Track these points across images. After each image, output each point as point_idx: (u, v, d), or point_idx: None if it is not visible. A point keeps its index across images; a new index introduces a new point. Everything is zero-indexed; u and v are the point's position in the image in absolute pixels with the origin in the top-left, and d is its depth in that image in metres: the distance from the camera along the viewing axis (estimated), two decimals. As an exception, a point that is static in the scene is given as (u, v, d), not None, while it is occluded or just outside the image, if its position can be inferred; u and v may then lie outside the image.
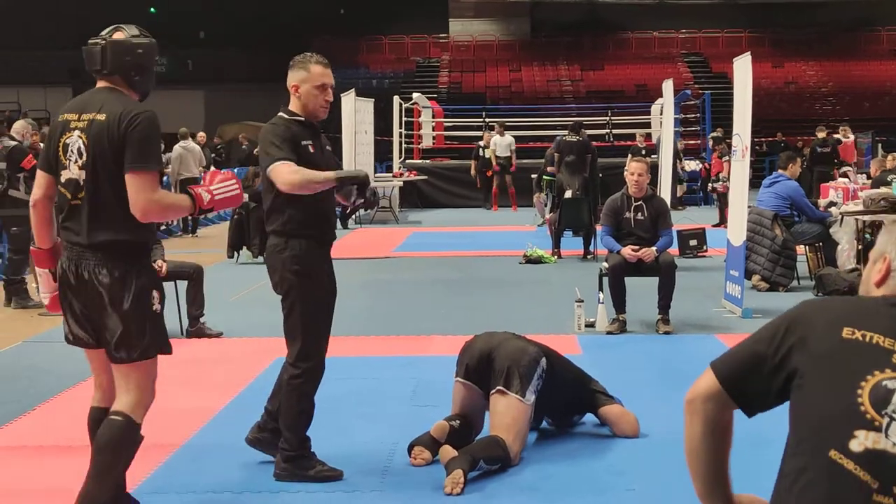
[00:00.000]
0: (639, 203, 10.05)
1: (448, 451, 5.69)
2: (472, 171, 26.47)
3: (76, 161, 4.62)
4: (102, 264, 4.57)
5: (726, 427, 2.75)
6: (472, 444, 5.86)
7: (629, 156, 22.66)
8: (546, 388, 6.08)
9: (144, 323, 4.62)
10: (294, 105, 5.74)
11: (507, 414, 5.90)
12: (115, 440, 4.60)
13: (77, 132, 4.62)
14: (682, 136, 27.92)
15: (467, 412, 6.15)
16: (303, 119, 5.70)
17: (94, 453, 4.62)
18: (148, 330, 4.63)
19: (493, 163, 26.03)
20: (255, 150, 28.89)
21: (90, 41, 4.74)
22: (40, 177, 4.81)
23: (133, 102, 4.68)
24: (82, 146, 4.60)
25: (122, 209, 4.55)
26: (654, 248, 9.79)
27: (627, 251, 9.76)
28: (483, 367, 6.07)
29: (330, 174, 5.45)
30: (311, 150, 5.63)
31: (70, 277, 4.64)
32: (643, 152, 22.98)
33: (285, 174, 5.35)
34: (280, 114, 5.76)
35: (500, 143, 25.99)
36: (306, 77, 5.70)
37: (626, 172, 10.28)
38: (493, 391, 5.98)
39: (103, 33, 4.76)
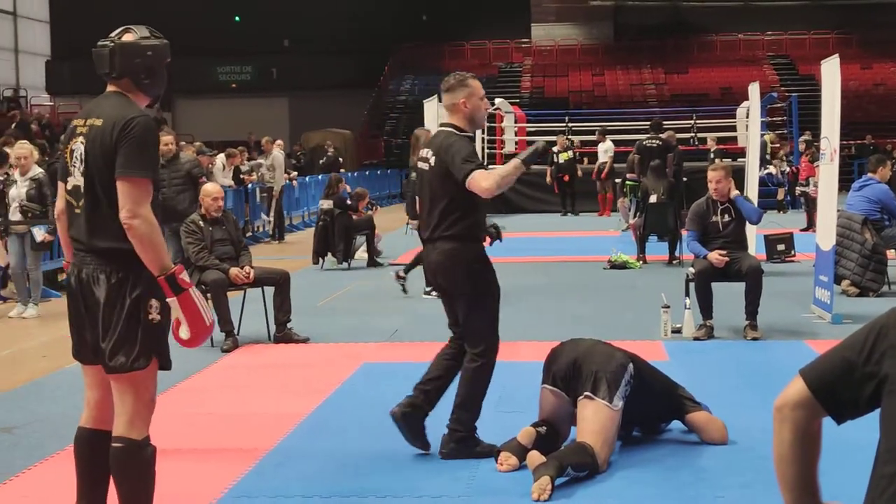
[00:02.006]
0: (725, 205, 9.99)
1: (536, 457, 5.68)
2: (548, 178, 26.38)
3: (79, 168, 4.46)
4: (101, 269, 4.38)
5: (815, 434, 2.73)
6: (559, 450, 5.85)
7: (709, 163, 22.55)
8: (634, 394, 6.06)
9: (137, 332, 4.36)
10: (458, 120, 6.26)
11: (594, 420, 5.88)
12: (124, 468, 4.44)
13: (80, 138, 4.47)
14: (783, 140, 27.65)
15: (554, 419, 6.14)
16: (470, 134, 6.30)
17: (115, 486, 4.49)
18: (140, 339, 4.36)
19: (596, 168, 25.90)
20: (339, 157, 29.32)
21: (98, 43, 4.56)
22: (60, 187, 4.65)
23: (133, 108, 4.48)
24: (83, 152, 4.44)
25: (117, 215, 4.33)
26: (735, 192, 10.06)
27: (715, 256, 9.68)
28: (571, 374, 6.06)
29: (515, 163, 5.97)
30: None
31: (73, 283, 4.48)
32: (711, 155, 22.80)
33: (483, 182, 5.89)
34: (448, 129, 6.26)
35: (600, 149, 25.91)
36: (470, 92, 6.26)
37: (708, 182, 10.22)
38: (581, 397, 5.97)
39: (112, 35, 4.57)
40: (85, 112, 4.57)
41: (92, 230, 4.41)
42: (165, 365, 4.52)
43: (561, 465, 5.57)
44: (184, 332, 4.41)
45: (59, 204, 4.64)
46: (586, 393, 5.94)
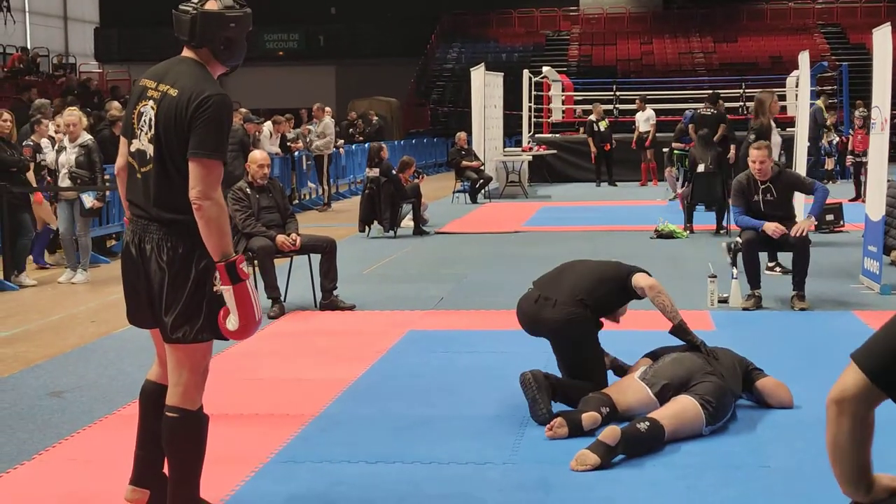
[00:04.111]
0: (766, 185, 9.86)
1: (613, 432, 5.50)
2: (592, 147, 26.16)
3: (146, 132, 4.36)
4: (167, 239, 4.33)
5: (872, 421, 2.66)
6: (638, 431, 5.62)
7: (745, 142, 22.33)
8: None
9: (202, 304, 4.34)
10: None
11: (683, 413, 5.83)
12: (178, 438, 4.43)
13: (151, 102, 4.36)
14: (830, 110, 27.36)
15: (625, 409, 6.07)
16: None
17: (167, 455, 4.48)
18: (205, 312, 4.34)
19: (634, 137, 25.72)
20: (376, 127, 29.44)
21: (181, 6, 4.43)
22: (122, 143, 4.57)
23: (210, 82, 4.37)
24: (152, 118, 4.34)
25: (186, 189, 4.26)
26: (811, 220, 9.84)
27: (772, 227, 9.56)
28: (676, 388, 6.04)
29: (679, 321, 6.48)
30: None
31: (132, 251, 4.42)
32: (753, 136, 22.55)
33: (652, 280, 6.51)
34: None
35: (639, 118, 25.73)
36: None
37: (748, 160, 10.07)
38: (682, 395, 5.98)
39: (195, 0, 4.43)
40: (157, 73, 4.47)
41: (158, 200, 4.35)
42: (223, 336, 4.48)
43: (622, 454, 5.50)
44: (232, 323, 4.30)
45: (120, 161, 4.58)
46: (690, 396, 5.93)
